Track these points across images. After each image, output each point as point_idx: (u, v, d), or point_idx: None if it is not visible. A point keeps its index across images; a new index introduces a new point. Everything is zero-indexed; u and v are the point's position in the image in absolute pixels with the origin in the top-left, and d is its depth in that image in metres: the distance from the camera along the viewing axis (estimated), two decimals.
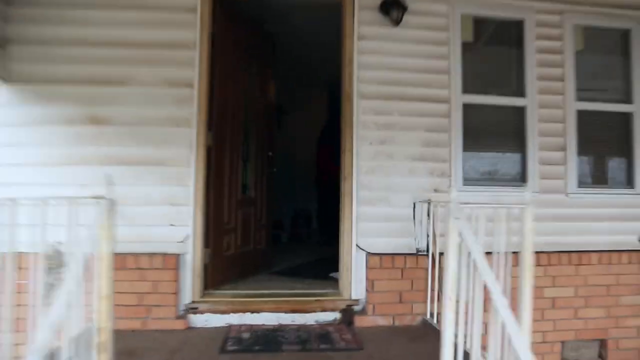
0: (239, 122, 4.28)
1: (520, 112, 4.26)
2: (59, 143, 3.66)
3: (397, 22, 4.00)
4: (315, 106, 8.31)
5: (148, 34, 3.77)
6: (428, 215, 3.84)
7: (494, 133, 4.34)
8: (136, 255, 3.59)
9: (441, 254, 3.37)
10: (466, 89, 4.15)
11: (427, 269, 3.66)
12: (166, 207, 3.69)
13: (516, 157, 4.29)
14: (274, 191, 5.13)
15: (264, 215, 4.75)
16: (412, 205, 3.94)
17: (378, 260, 3.85)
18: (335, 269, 4.10)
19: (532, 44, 4.29)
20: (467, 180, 4.13)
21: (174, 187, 3.71)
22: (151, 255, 3.60)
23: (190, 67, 3.77)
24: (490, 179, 4.27)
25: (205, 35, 3.78)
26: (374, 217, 3.93)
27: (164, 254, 3.63)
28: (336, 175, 4.19)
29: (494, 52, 4.46)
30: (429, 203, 3.84)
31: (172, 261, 3.63)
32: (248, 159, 4.51)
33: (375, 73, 4.01)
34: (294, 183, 7.99)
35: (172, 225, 3.69)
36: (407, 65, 4.06)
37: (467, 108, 4.14)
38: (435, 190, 4.01)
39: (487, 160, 4.33)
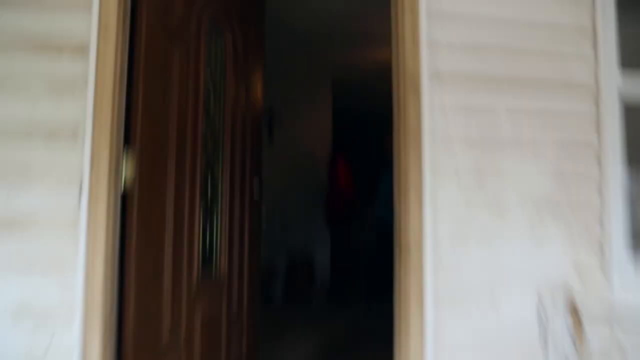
0: (196, 133, 2.23)
1: None
2: None
3: None
4: (319, 109, 6.32)
5: None
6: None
7: None
8: None
9: None
10: (627, 71, 2.19)
11: None
12: (19, 324, 1.65)
13: None
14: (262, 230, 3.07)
15: (244, 302, 2.67)
16: (537, 306, 1.97)
17: None
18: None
19: None
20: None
21: (37, 279, 1.67)
22: None
23: (83, 12, 1.76)
24: None
25: None
26: (464, 333, 1.90)
27: None
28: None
29: None
30: (569, 300, 1.91)
31: None
32: (215, 199, 2.48)
33: (462, 30, 2.02)
34: (290, 217, 5.94)
35: None
36: (517, 15, 2.08)
37: (631, 108, 2.18)
38: (579, 274, 2.02)
39: None
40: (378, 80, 6.23)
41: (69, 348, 1.63)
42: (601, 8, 2.12)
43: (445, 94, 1.96)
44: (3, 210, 1.68)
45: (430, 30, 1.96)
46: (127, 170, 1.81)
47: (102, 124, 1.71)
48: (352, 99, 7.03)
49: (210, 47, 2.31)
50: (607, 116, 2.07)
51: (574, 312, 1.92)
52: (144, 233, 1.88)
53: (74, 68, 1.74)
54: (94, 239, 1.67)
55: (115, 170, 1.74)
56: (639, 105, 2.15)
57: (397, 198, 1.94)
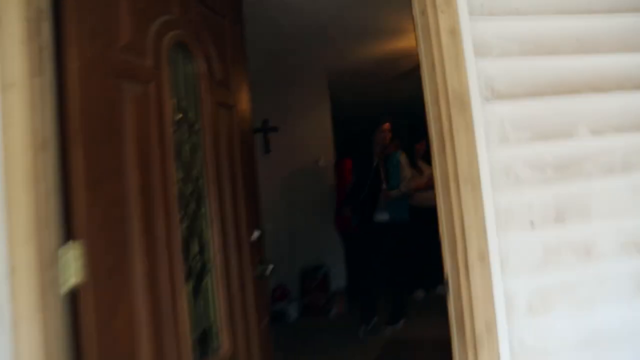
0: (167, 192, 1.67)
1: None
2: None
3: None
4: (316, 113, 5.80)
5: None
6: None
7: None
8: None
9: None
10: None
11: None
12: None
13: None
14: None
15: None
16: None
17: None
18: None
19: None
20: None
21: None
22: None
23: None
24: None
25: None
26: None
27: None
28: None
29: None
30: None
31: None
32: (205, 264, 1.94)
33: (521, 23, 1.48)
34: (298, 228, 5.48)
35: None
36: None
37: None
38: None
39: None
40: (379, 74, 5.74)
41: None
42: None
43: (505, 112, 1.43)
44: None
45: (477, 25, 1.41)
46: (73, 267, 1.28)
47: (19, 218, 1.17)
48: (352, 96, 6.50)
49: (178, 78, 1.76)
50: None
51: None
52: (107, 337, 1.35)
53: None
54: None
55: (48, 277, 1.21)
56: None
57: (453, 264, 1.41)
